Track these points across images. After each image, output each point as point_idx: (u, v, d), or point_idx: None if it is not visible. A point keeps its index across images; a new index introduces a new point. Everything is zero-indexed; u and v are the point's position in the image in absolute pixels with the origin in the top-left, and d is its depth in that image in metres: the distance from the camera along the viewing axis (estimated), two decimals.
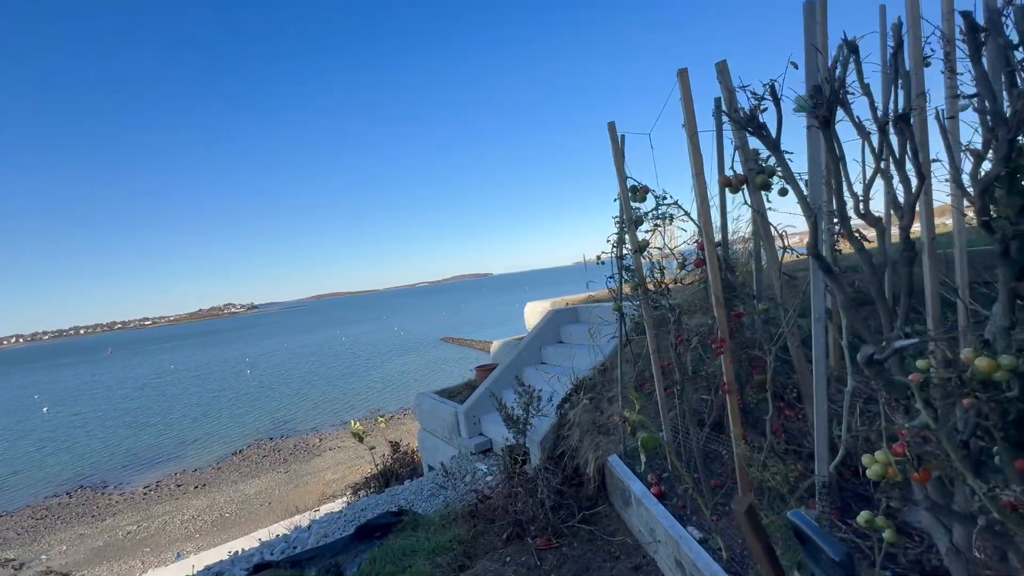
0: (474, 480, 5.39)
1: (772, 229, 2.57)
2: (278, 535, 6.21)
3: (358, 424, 8.67)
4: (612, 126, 3.32)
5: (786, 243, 2.51)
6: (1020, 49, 1.09)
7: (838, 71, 1.43)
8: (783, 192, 2.62)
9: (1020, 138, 1.06)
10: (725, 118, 2.66)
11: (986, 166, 1.17)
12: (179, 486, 15.48)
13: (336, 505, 8.41)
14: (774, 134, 1.44)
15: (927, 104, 1.49)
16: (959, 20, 1.14)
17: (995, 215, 1.07)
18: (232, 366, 46.25)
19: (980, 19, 1.14)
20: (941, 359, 1.18)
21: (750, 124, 1.46)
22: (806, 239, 1.96)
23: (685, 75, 2.52)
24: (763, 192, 2.57)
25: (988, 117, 1.02)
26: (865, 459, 1.30)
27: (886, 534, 1.30)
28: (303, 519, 7.31)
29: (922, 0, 1.57)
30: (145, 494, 15.14)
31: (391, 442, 9.36)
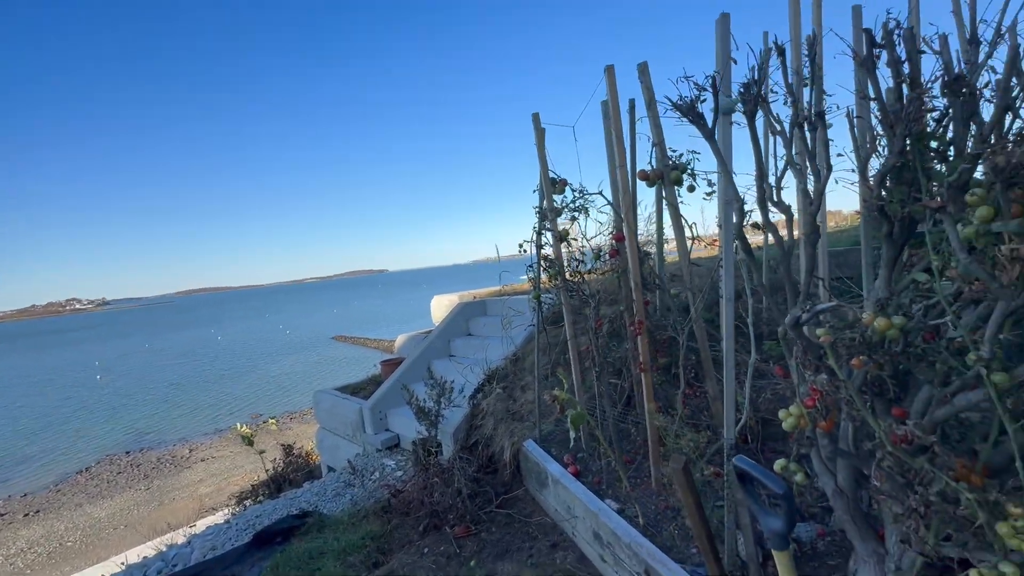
0: (383, 476, 5.21)
1: (683, 220, 2.81)
2: (146, 557, 5.49)
3: (245, 427, 7.94)
4: (536, 117, 3.41)
5: (695, 233, 2.76)
6: (906, 64, 1.31)
7: (757, 74, 1.61)
8: (692, 189, 2.89)
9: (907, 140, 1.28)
10: (641, 115, 2.85)
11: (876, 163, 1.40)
12: (0, 516, 12.97)
13: (218, 517, 7.62)
14: (710, 124, 1.60)
15: (830, 106, 1.75)
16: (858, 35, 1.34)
17: (888, 201, 1.28)
18: (78, 371, 39.82)
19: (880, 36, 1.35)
20: (842, 324, 1.38)
21: (690, 113, 1.60)
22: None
23: (612, 71, 2.66)
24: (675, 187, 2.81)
25: (890, 116, 1.23)
26: (781, 413, 1.47)
27: (798, 477, 1.49)
28: (178, 536, 6.53)
29: (834, 14, 1.81)
30: None
31: (283, 445, 8.70)
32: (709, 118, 1.63)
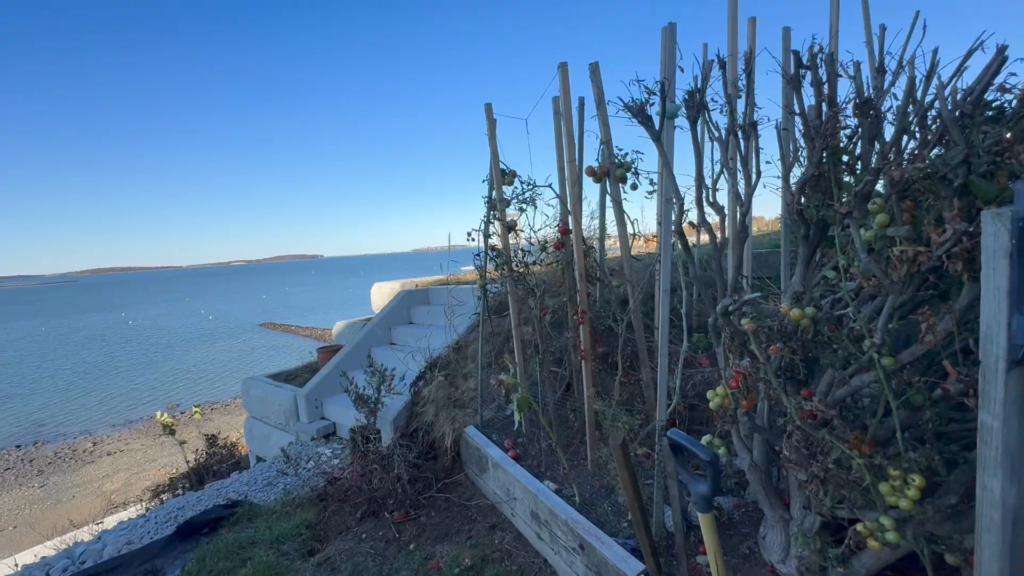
0: (318, 465, 5.10)
1: (626, 216, 2.97)
2: (45, 557, 5.06)
3: (166, 415, 7.44)
4: (489, 107, 3.45)
5: (636, 230, 2.92)
6: (826, 85, 1.49)
7: (700, 83, 1.75)
8: (635, 187, 3.05)
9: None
10: (592, 114, 2.97)
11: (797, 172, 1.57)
12: None
13: (130, 513, 7.12)
14: (656, 126, 1.72)
15: (761, 117, 1.93)
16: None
17: (806, 206, 1.46)
18: None
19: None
20: (763, 316, 1.54)
21: (639, 115, 1.71)
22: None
23: (565, 68, 2.75)
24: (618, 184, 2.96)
25: (811, 130, 1.39)
26: (709, 394, 1.63)
27: (721, 451, 1.65)
28: (83, 534, 6.04)
29: (767, 34, 2.00)
30: None
31: (207, 435, 8.25)
32: (656, 121, 1.76)
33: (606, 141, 2.87)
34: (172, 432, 6.88)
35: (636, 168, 2.97)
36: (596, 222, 4.18)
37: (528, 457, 3.53)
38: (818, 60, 1.48)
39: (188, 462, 7.62)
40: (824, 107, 1.50)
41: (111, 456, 14.00)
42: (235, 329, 39.77)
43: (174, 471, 9.92)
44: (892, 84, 1.67)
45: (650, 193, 3.11)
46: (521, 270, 3.70)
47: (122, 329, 44.81)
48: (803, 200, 1.49)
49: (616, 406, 2.68)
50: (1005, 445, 1.00)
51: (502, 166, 3.61)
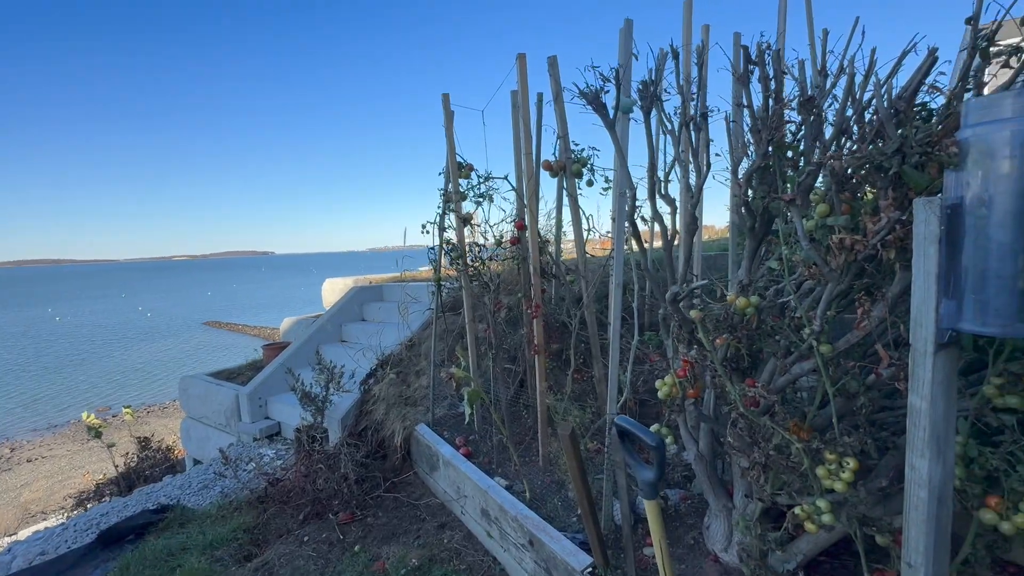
0: (260, 466, 4.86)
1: (581, 212, 2.97)
2: None
3: (92, 416, 6.92)
4: (446, 98, 3.39)
5: (591, 226, 2.93)
6: (773, 81, 1.53)
7: (654, 75, 1.76)
8: (590, 183, 3.06)
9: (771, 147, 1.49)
10: (549, 106, 2.96)
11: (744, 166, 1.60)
12: None
13: (50, 522, 6.57)
14: (611, 115, 1.72)
15: (712, 109, 1.97)
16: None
17: (752, 198, 1.49)
18: None
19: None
20: (709, 308, 1.56)
21: (594, 102, 1.71)
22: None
23: (523, 60, 2.73)
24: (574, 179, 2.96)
25: (758, 122, 1.42)
26: (658, 383, 1.64)
27: (668, 439, 1.66)
28: None
29: (720, 32, 2.04)
30: None
31: (139, 438, 7.74)
32: (611, 110, 1.76)
33: (563, 135, 2.87)
34: (99, 435, 6.40)
35: (592, 164, 2.98)
36: (553, 220, 4.19)
37: (480, 454, 3.48)
38: (766, 57, 1.52)
39: (117, 467, 7.12)
40: (771, 102, 1.54)
41: (31, 463, 12.93)
42: (176, 327, 37.67)
43: (102, 477, 9.26)
44: (834, 85, 1.74)
45: (605, 190, 3.14)
46: (476, 265, 3.65)
47: (49, 326, 41.59)
48: (750, 192, 1.52)
49: (568, 401, 2.67)
50: (932, 425, 1.04)
51: (459, 159, 3.55)
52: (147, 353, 28.07)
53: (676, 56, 1.61)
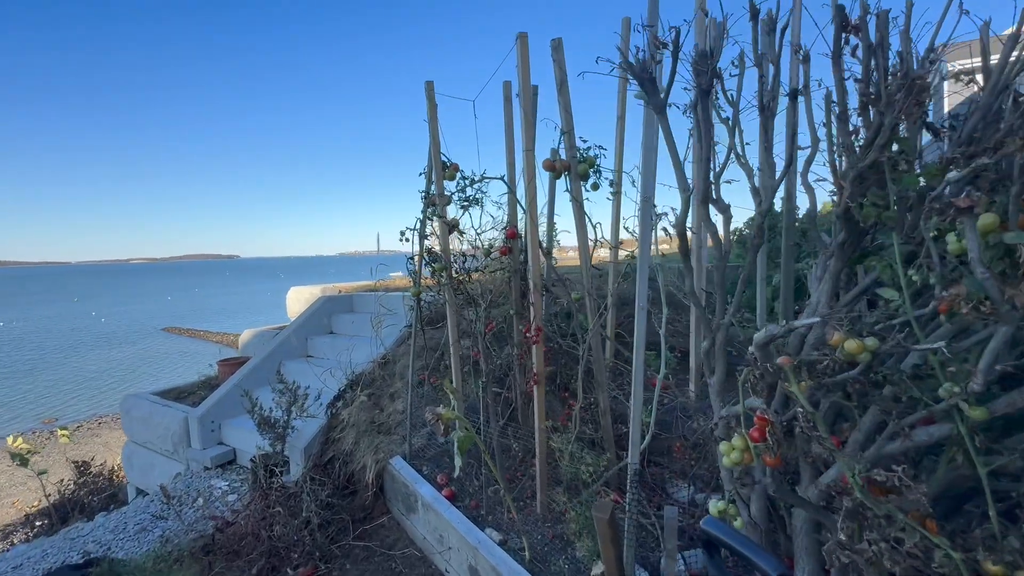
0: (210, 503, 4.28)
1: (586, 219, 2.58)
2: None
3: (20, 440, 6.13)
4: (430, 86, 2.96)
5: (598, 235, 2.54)
6: (879, 50, 1.16)
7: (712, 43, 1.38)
8: (596, 186, 2.67)
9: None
10: (556, 98, 2.57)
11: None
12: None
13: None
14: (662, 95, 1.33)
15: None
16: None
17: (863, 204, 1.11)
18: None
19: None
20: (809, 343, 1.17)
21: (643, 76, 1.31)
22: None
23: (524, 40, 2.33)
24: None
25: (879, 95, 1.05)
26: (723, 447, 1.24)
27: (737, 523, 1.26)
28: None
29: None
30: None
31: (77, 462, 6.96)
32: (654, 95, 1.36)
33: (568, 130, 2.47)
34: (24, 462, 5.64)
35: (599, 165, 2.60)
36: (544, 227, 3.80)
37: (465, 495, 3.03)
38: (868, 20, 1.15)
39: (48, 496, 6.33)
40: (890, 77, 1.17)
41: None
42: (133, 334, 35.68)
43: (34, 505, 8.37)
44: None
45: (612, 194, 2.75)
46: (462, 277, 3.22)
47: None
48: (845, 196, 1.14)
49: (575, 442, 2.26)
50: None
51: (443, 158, 3.12)
52: (102, 360, 26.41)
53: (755, 15, 1.24)
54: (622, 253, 3.05)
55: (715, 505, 1.28)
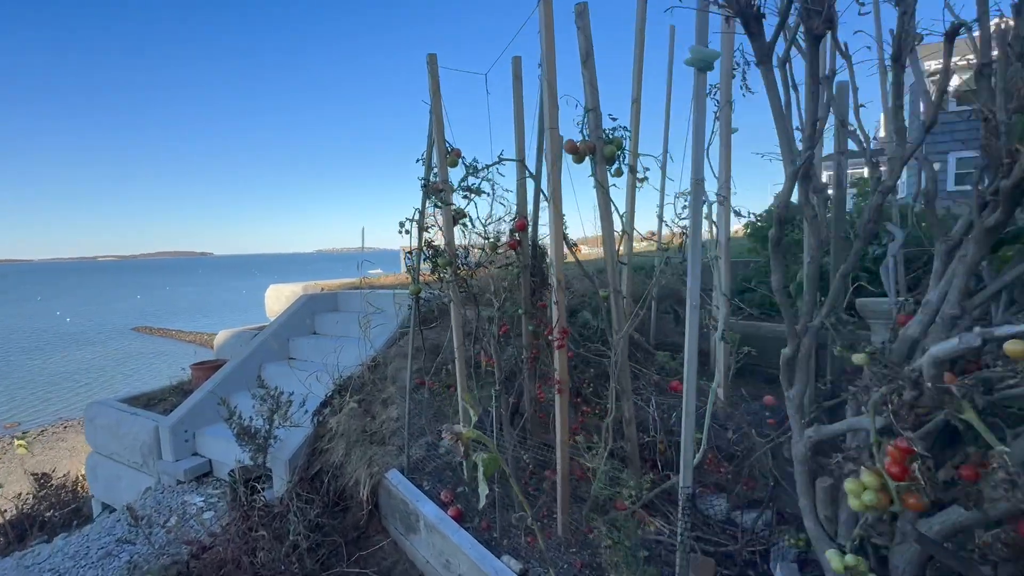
0: (183, 522, 3.91)
1: (613, 208, 2.31)
2: None
3: None
4: (432, 59, 2.65)
5: (625, 224, 2.27)
6: None
7: None
8: (620, 172, 2.40)
9: None
10: (579, 73, 2.29)
11: None
12: None
13: None
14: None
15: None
16: None
17: None
18: None
19: None
20: (937, 355, 0.91)
21: (747, 9, 1.03)
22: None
23: (549, 1, 2.04)
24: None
25: None
26: (849, 485, 0.98)
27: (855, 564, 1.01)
28: None
29: None
30: None
31: (36, 474, 6.45)
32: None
33: (593, 108, 2.20)
34: None
35: (624, 147, 2.33)
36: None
37: (472, 513, 2.75)
38: None
39: (4, 512, 5.83)
40: None
41: None
42: (101, 334, 34.27)
43: None
44: None
45: (642, 180, 2.49)
46: (466, 273, 2.93)
47: None
48: None
49: (607, 459, 1.99)
50: None
51: (447, 145, 2.82)
52: (69, 362, 25.25)
53: None
54: (641, 245, 2.78)
55: (838, 559, 1.02)
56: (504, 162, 2.39)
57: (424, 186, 2.92)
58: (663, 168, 3.60)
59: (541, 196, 3.42)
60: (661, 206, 3.78)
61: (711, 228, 2.56)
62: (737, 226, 4.18)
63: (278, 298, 7.08)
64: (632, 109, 3.17)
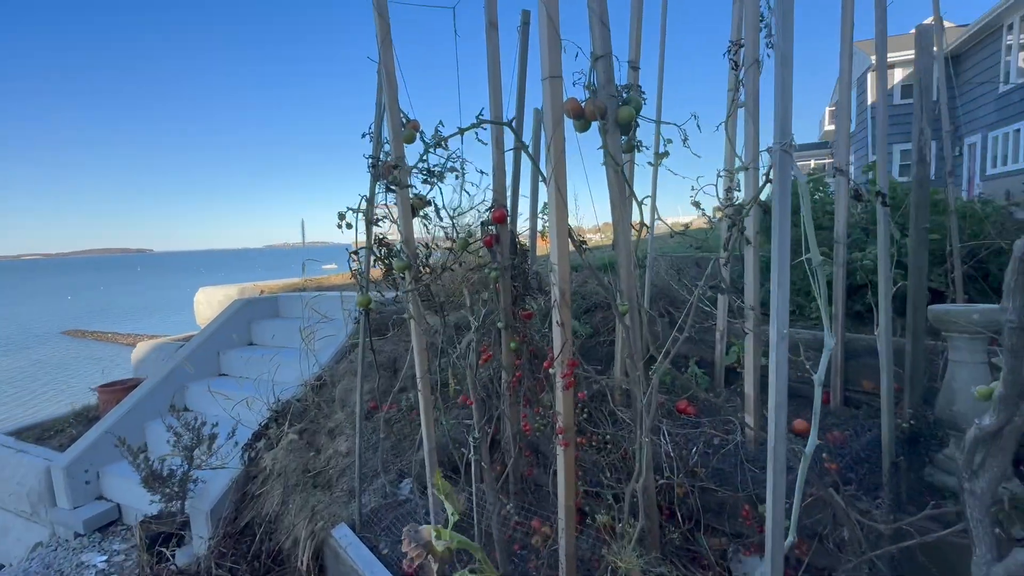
0: None
1: (628, 190, 1.74)
2: None
3: None
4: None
5: (654, 215, 1.71)
6: None
7: None
8: (635, 147, 1.83)
9: None
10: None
11: None
12: None
13: None
14: None
15: None
16: None
17: None
18: None
19: None
20: None
21: None
22: None
23: None
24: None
25: None
26: None
27: None
28: None
29: None
30: None
31: None
32: None
33: (604, 54, 1.61)
34: None
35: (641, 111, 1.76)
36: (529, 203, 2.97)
37: None
38: None
39: None
40: None
41: None
42: (28, 338, 31.16)
43: None
44: None
45: (661, 156, 1.93)
46: (428, 278, 2.29)
47: None
48: None
49: (634, 546, 1.43)
50: None
51: (401, 116, 2.18)
52: None
53: None
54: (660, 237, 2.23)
55: None
56: (484, 125, 1.76)
57: (372, 166, 2.26)
58: (656, 141, 3.07)
59: (519, 181, 2.84)
60: (654, 187, 3.24)
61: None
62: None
63: (209, 303, 6.20)
64: (630, 76, 2.60)
